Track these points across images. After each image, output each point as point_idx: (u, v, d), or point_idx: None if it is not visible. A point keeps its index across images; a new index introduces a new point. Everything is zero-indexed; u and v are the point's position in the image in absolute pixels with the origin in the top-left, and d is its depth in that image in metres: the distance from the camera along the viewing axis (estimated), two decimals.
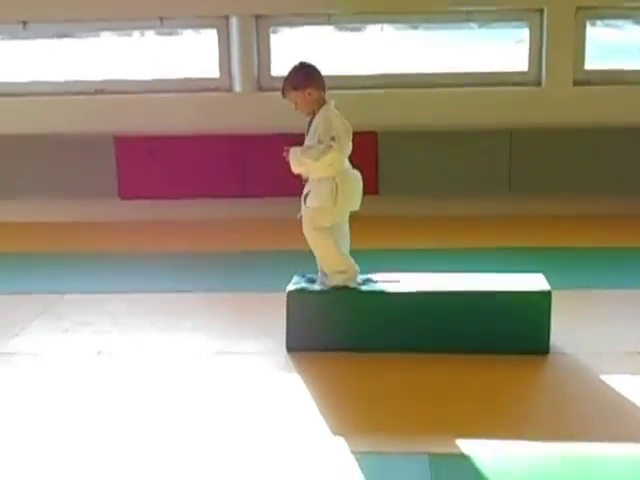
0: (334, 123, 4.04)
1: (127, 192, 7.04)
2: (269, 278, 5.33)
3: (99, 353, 4.31)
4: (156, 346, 4.40)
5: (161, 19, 7.08)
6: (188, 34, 7.63)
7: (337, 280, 4.22)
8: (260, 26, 7.06)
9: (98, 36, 7.62)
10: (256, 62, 7.08)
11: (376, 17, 7.26)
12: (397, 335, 4.13)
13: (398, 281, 4.29)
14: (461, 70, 7.17)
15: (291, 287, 4.25)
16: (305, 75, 4.11)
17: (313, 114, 4.14)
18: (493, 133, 6.88)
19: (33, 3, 7.02)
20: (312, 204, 4.14)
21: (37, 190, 7.10)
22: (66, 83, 7.26)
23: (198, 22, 7.23)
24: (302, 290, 4.21)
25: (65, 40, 7.56)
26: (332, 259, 4.21)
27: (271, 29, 7.15)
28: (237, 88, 7.11)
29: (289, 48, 7.33)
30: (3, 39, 7.48)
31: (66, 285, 5.42)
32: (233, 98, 7.10)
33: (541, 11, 6.86)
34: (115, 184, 7.02)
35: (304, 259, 4.91)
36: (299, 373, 4.00)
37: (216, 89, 7.17)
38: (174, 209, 7.06)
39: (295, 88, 4.09)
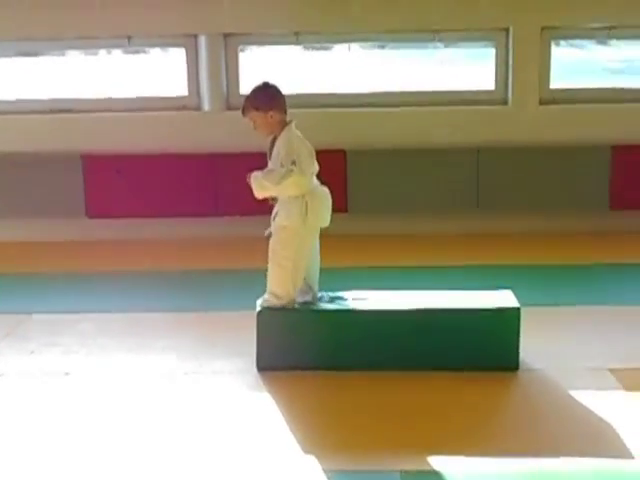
0: (295, 146, 4.04)
1: (95, 211, 6.99)
2: (239, 297, 5.29)
3: (67, 374, 4.26)
4: (125, 366, 4.36)
5: (129, 37, 7.07)
6: (156, 52, 7.64)
7: (270, 302, 4.21)
8: (229, 45, 7.08)
9: (65, 54, 7.59)
10: (225, 81, 7.09)
11: (343, 37, 7.30)
12: (366, 353, 4.13)
13: (367, 299, 4.30)
14: (429, 89, 7.24)
15: (260, 307, 4.24)
16: (269, 96, 4.10)
17: (274, 136, 4.14)
18: (460, 151, 6.94)
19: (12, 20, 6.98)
20: (282, 222, 4.14)
21: (3, 209, 7.02)
22: (33, 101, 7.21)
23: (166, 41, 7.23)
24: (272, 309, 4.20)
25: (32, 58, 7.51)
26: (278, 280, 4.18)
27: (239, 48, 7.17)
28: (206, 107, 7.10)
29: (258, 67, 7.36)
30: None
31: (34, 305, 5.37)
32: (202, 117, 7.09)
33: (507, 30, 6.95)
34: (82, 203, 6.96)
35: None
36: (269, 392, 3.99)
37: (184, 108, 7.16)
38: (142, 228, 7.01)
39: (257, 108, 4.07)
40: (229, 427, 3.67)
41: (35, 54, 7.52)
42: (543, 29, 6.89)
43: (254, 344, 4.25)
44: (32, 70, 7.55)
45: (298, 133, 4.13)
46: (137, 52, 7.55)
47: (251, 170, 4.25)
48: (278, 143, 4.09)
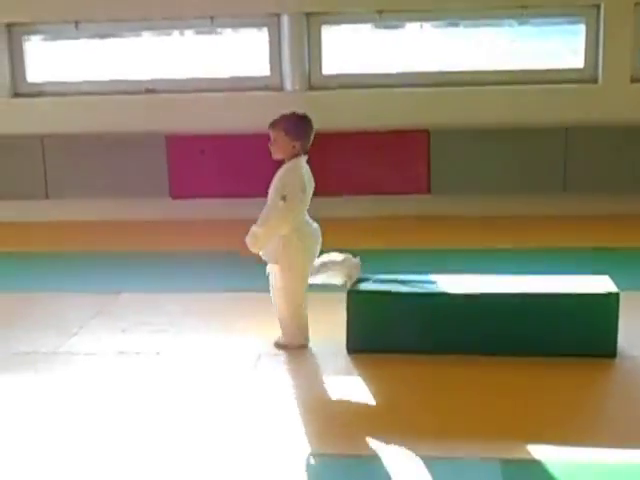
0: (291, 181, 4.11)
1: (178, 191, 7.04)
2: None
3: (158, 353, 4.29)
4: (214, 347, 4.37)
5: (212, 18, 7.08)
6: (230, 33, 7.61)
7: (288, 342, 4.27)
8: (311, 24, 7.02)
9: (150, 35, 7.63)
10: (307, 60, 7.04)
11: (428, 14, 7.17)
12: (461, 337, 4.06)
13: (459, 283, 4.23)
14: (515, 68, 7.08)
15: (351, 288, 4.20)
16: (303, 129, 4.16)
17: (283, 160, 4.21)
18: (547, 131, 6.77)
19: (84, 3, 7.05)
20: (277, 263, 4.19)
21: (90, 189, 7.13)
22: (118, 82, 7.29)
23: (249, 20, 7.21)
24: (363, 291, 4.16)
25: (118, 39, 7.58)
26: (290, 324, 4.26)
27: (322, 27, 7.11)
28: (288, 87, 7.07)
29: (339, 46, 7.30)
30: (56, 39, 7.52)
31: (121, 284, 5.43)
32: (284, 97, 7.06)
33: (598, 7, 6.73)
34: (167, 183, 7.02)
35: (361, 260, 4.84)
36: (360, 375, 3.95)
37: (266, 88, 7.15)
38: (225, 208, 7.04)
39: (287, 132, 4.13)
40: (321, 410, 3.64)
41: (120, 35, 7.57)
42: (636, 5, 6.66)
43: (343, 326, 4.21)
44: (117, 51, 7.60)
45: (305, 167, 4.20)
46: (217, 32, 7.53)
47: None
48: (278, 173, 4.19)
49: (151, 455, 3.28)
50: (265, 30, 7.13)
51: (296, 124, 4.17)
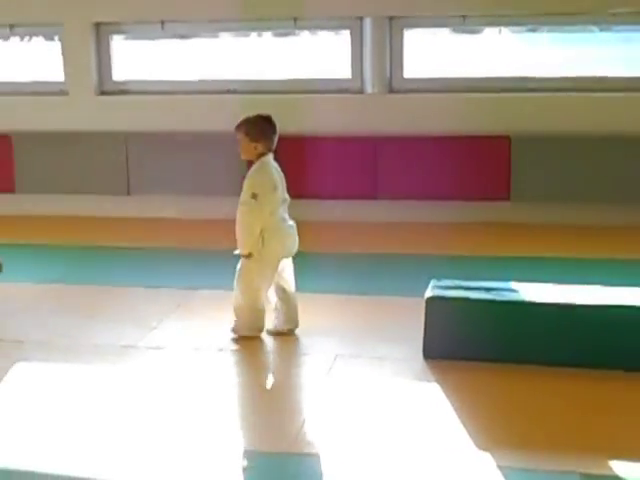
0: (259, 180, 4.29)
1: None
2: (402, 282, 5.29)
3: (236, 351, 4.33)
4: (291, 347, 4.38)
5: (295, 19, 7.12)
6: (308, 35, 7.65)
7: (239, 330, 4.42)
8: (393, 27, 7.00)
9: (229, 36, 7.72)
10: (388, 63, 7.03)
11: (512, 19, 7.08)
12: (542, 347, 3.99)
13: (538, 291, 4.16)
14: (598, 74, 6.94)
15: (430, 293, 4.17)
16: (262, 130, 4.33)
17: (251, 162, 4.38)
18: (632, 139, 6.61)
19: (170, 4, 7.17)
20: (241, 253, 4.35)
21: (170, 187, 7.24)
22: (200, 82, 7.39)
23: (332, 23, 7.24)
24: (442, 297, 4.13)
25: (200, 40, 7.69)
26: (244, 313, 4.40)
27: (404, 30, 7.08)
28: (368, 89, 7.07)
29: (421, 50, 7.27)
30: (141, 38, 7.67)
31: (199, 281, 5.50)
32: (364, 99, 7.07)
33: None
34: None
35: (436, 264, 4.83)
36: (437, 382, 3.91)
37: (347, 90, 7.15)
38: (302, 209, 7.04)
39: (247, 134, 4.34)
40: (396, 416, 3.61)
41: (202, 35, 7.68)
42: None
43: (420, 331, 4.18)
44: (200, 52, 7.72)
45: (273, 164, 4.37)
46: (293, 34, 7.56)
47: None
48: (248, 174, 4.36)
49: (225, 451, 3.31)
50: (347, 33, 7.14)
51: (256, 126, 4.34)
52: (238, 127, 4.40)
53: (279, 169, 4.44)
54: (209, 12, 7.14)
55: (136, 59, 7.77)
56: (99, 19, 7.35)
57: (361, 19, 7.00)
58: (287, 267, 4.53)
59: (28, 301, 5.13)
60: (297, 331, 4.56)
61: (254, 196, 4.26)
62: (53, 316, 4.86)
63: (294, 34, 7.54)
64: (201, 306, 5.05)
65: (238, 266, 4.42)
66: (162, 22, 7.30)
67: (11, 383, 4.00)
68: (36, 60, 7.93)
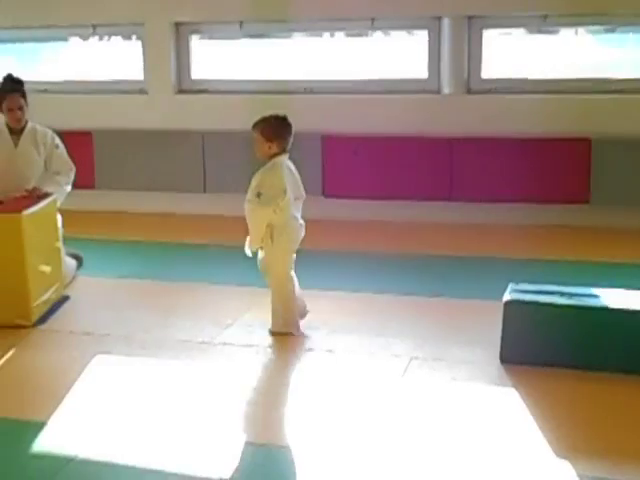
0: (269, 180, 4.34)
1: (331, 191, 7.12)
2: (478, 285, 5.23)
3: (310, 349, 4.34)
4: (365, 348, 4.37)
5: (372, 19, 7.11)
6: (382, 35, 7.62)
7: (276, 326, 4.51)
8: (472, 27, 6.93)
9: (308, 36, 7.74)
10: (466, 64, 6.96)
11: (593, 18, 6.93)
12: (624, 355, 3.89)
13: (619, 297, 4.07)
14: None
15: (509, 297, 4.11)
16: (276, 130, 4.38)
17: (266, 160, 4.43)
18: None
19: (249, 4, 7.23)
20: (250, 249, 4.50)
21: (245, 186, 7.28)
22: (277, 82, 7.43)
23: (410, 23, 7.20)
24: (521, 301, 4.06)
25: (278, 40, 7.74)
26: (279, 309, 4.52)
27: (482, 31, 7.00)
28: (445, 90, 7.02)
29: (499, 50, 7.18)
30: (222, 38, 7.74)
31: None
32: (441, 100, 7.02)
33: None
34: (320, 182, 7.11)
35: (514, 268, 4.75)
36: (514, 387, 3.85)
37: (424, 90, 7.11)
38: (376, 209, 7.06)
39: (262, 134, 4.38)
40: (473, 420, 3.57)
41: (280, 36, 7.73)
42: None
43: (497, 335, 4.13)
44: (277, 51, 7.76)
45: (287, 164, 4.44)
46: (370, 35, 7.55)
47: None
48: (258, 172, 4.40)
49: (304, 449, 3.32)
50: (423, 33, 7.09)
51: (271, 126, 4.39)
52: (254, 126, 4.45)
53: (293, 169, 4.51)
54: (287, 12, 7.18)
55: (213, 58, 7.85)
56: (179, 19, 7.46)
57: (439, 19, 6.95)
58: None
59: (108, 295, 5.24)
60: (373, 332, 4.55)
61: (259, 195, 4.35)
62: (132, 311, 4.95)
63: (366, 34, 7.53)
64: None
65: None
66: (240, 22, 7.37)
67: (93, 376, 4.08)
68: (116, 59, 8.08)
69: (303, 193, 4.62)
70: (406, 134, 6.95)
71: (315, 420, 3.57)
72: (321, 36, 7.68)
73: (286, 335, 4.52)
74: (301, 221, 4.58)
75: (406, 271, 5.75)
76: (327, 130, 7.09)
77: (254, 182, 4.39)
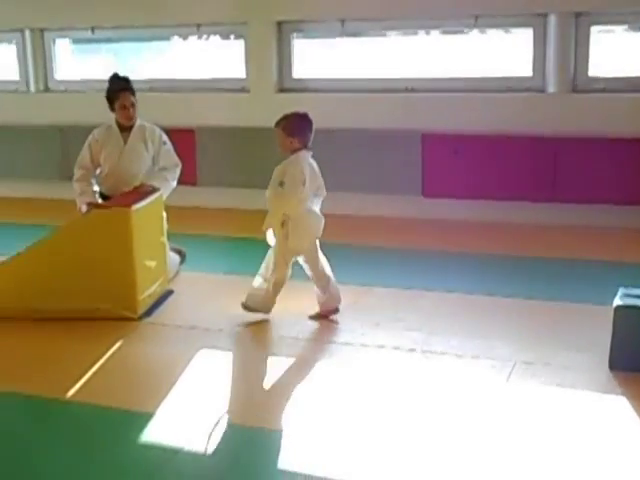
0: (290, 171, 4.52)
1: (431, 190, 7.06)
2: (587, 289, 5.11)
3: (411, 350, 4.31)
4: (467, 351, 4.31)
5: (476, 17, 7.01)
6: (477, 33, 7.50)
7: (251, 302, 4.70)
8: (580, 24, 6.76)
9: (412, 34, 7.69)
10: (573, 62, 6.79)
11: None
12: None
13: None
14: None
15: (619, 302, 3.99)
16: (298, 126, 4.58)
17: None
18: None
19: (350, 3, 7.23)
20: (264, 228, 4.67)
21: (345, 184, 7.30)
22: (378, 81, 7.41)
23: (514, 20, 7.08)
24: (632, 306, 3.94)
25: (380, 38, 7.72)
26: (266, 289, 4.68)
27: (590, 28, 6.82)
28: (550, 89, 6.86)
29: (606, 48, 6.98)
30: (321, 37, 7.77)
31: (374, 278, 5.52)
32: (546, 99, 6.87)
33: None
34: (419, 182, 7.06)
35: (624, 272, 4.60)
36: (623, 394, 3.74)
37: (528, 89, 6.97)
38: (478, 209, 6.97)
39: (284, 130, 4.57)
40: (578, 430, 3.46)
41: (377, 34, 7.70)
42: None
43: (607, 340, 4.01)
44: (378, 50, 7.74)
45: (309, 160, 4.59)
46: (465, 32, 7.44)
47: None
48: (279, 166, 4.58)
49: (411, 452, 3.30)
50: (526, 31, 6.96)
51: (292, 122, 4.58)
52: (277, 124, 4.62)
53: (314, 165, 4.66)
54: (388, 10, 7.16)
55: (314, 57, 7.88)
56: (282, 18, 7.52)
57: (545, 16, 6.80)
58: (319, 251, 4.77)
59: (211, 290, 5.32)
60: (475, 334, 4.49)
61: (281, 184, 4.53)
62: (234, 306, 5.00)
63: (462, 32, 7.42)
64: (376, 304, 5.06)
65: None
66: (342, 21, 7.38)
67: (197, 369, 4.16)
68: (218, 58, 8.21)
69: (324, 191, 4.76)
70: (508, 133, 6.83)
71: (415, 426, 3.54)
72: (416, 34, 7.62)
73: (379, 333, 4.51)
74: (319, 213, 4.73)
75: (508, 272, 5.66)
76: (427, 129, 7.03)
77: (276, 173, 4.58)
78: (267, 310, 4.75)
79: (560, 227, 6.64)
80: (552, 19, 6.76)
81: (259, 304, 4.72)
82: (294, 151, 4.58)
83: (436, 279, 5.54)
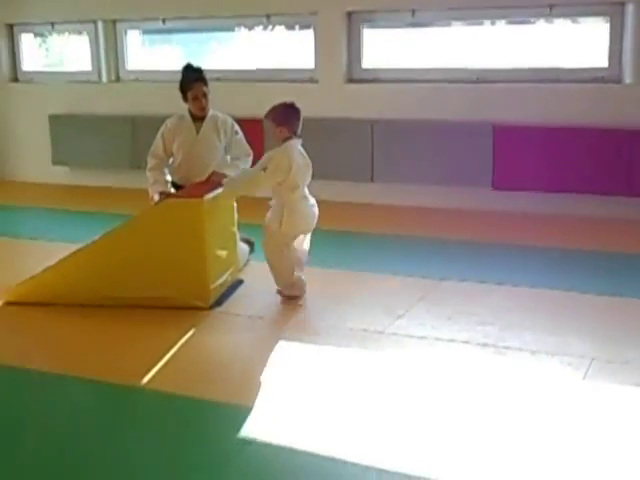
0: (276, 158, 4.72)
1: (501, 182, 6.95)
2: None
3: (484, 345, 4.25)
4: (542, 346, 4.22)
5: (551, 6, 6.87)
6: (543, 23, 7.34)
7: (289, 291, 4.94)
8: None
9: (478, 24, 7.56)
10: None
11: None
12: None
13: None
14: None
15: None
16: (285, 115, 4.79)
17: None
18: None
19: None
20: (268, 223, 4.88)
21: (414, 175, 7.26)
22: (448, 71, 7.33)
23: (590, 9, 6.92)
24: None
25: (448, 28, 7.61)
26: (283, 273, 4.93)
27: None
28: (627, 80, 6.69)
29: None
30: (396, 27, 7.69)
31: (444, 271, 5.46)
32: (622, 90, 6.70)
33: None
34: (490, 174, 6.96)
35: None
36: None
37: (603, 80, 6.81)
38: (550, 202, 6.85)
39: (272, 120, 4.80)
40: None
41: (443, 24, 7.59)
42: None
43: None
44: (448, 40, 7.64)
45: (298, 148, 4.80)
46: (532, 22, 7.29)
47: None
48: (270, 151, 4.79)
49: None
50: (606, 20, 6.80)
51: (280, 112, 4.78)
52: (266, 116, 4.84)
53: (304, 154, 4.85)
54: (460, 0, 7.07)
55: (382, 47, 7.82)
56: (351, 8, 7.48)
57: (622, 5, 6.63)
58: (306, 240, 5.01)
59: None
60: (550, 330, 4.41)
61: (264, 169, 4.75)
62: (306, 297, 5.01)
63: (529, 22, 7.27)
64: (447, 297, 5.00)
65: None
66: (413, 10, 7.31)
67: (269, 360, 4.16)
68: (285, 48, 8.20)
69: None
70: (582, 125, 6.70)
71: (490, 424, 3.48)
72: (482, 24, 7.49)
73: (450, 327, 4.46)
74: (312, 200, 4.93)
75: (583, 268, 5.54)
76: (498, 120, 6.92)
77: (264, 158, 4.77)
78: (301, 292, 4.99)
79: (636, 221, 6.48)
80: (630, 8, 6.59)
81: (290, 290, 4.98)
82: (285, 139, 4.77)
83: (507, 272, 5.45)
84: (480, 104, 7.02)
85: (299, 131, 4.83)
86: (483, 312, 4.70)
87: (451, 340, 4.31)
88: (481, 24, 7.49)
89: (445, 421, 3.46)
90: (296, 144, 4.81)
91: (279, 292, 5.01)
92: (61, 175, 8.93)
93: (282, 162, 4.73)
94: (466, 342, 4.28)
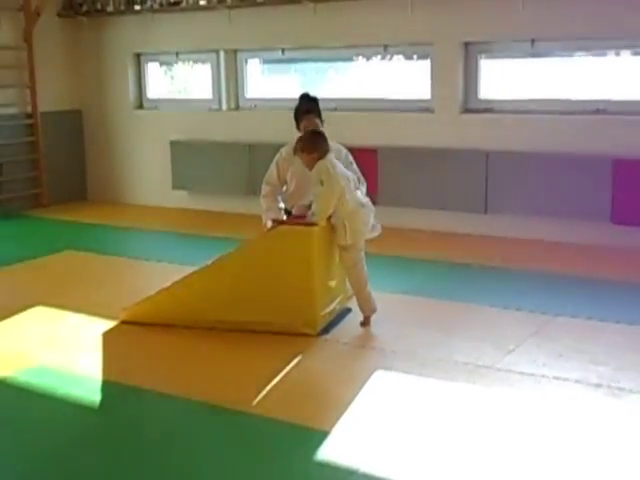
0: (322, 169, 4.93)
1: (621, 217, 6.73)
2: None
3: (598, 385, 4.11)
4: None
5: None
6: None
7: (368, 310, 5.10)
8: None
9: (601, 55, 7.37)
10: None
11: None
12: None
13: None
14: None
15: None
16: (313, 143, 5.02)
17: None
18: None
19: (544, 21, 7.04)
20: (338, 243, 5.02)
21: (529, 207, 7.12)
22: (566, 102, 7.18)
23: None
24: None
25: (570, 59, 7.46)
26: (362, 292, 5.08)
27: None
28: None
29: None
30: (515, 57, 7.60)
31: (559, 307, 5.33)
32: None
33: None
34: (609, 208, 6.75)
35: None
36: None
37: None
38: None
39: (302, 151, 5.05)
40: None
41: (552, 55, 7.44)
42: None
43: None
44: (566, 71, 7.48)
45: (334, 162, 5.01)
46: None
47: None
48: (313, 172, 5.00)
49: None
50: None
51: (308, 143, 5.04)
52: (295, 149, 5.15)
53: (340, 165, 5.07)
54: (582, 30, 6.91)
55: (499, 77, 7.73)
56: (469, 39, 7.44)
57: None
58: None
59: (389, 310, 5.26)
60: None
61: (321, 182, 4.91)
62: (414, 327, 4.99)
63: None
64: (559, 333, 4.88)
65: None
66: (532, 40, 7.21)
67: (374, 389, 4.15)
68: (401, 78, 8.22)
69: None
70: None
71: (604, 473, 3.36)
72: (605, 55, 7.29)
73: (562, 365, 4.32)
74: (365, 199, 5.14)
75: None
76: (619, 154, 6.72)
77: (314, 177, 4.97)
78: (373, 309, 5.11)
79: None
80: None
81: (366, 310, 5.09)
82: (318, 159, 5.01)
83: (623, 310, 5.26)
84: (599, 136, 6.83)
85: (329, 150, 5.06)
86: (597, 350, 4.56)
87: (562, 379, 4.19)
88: (604, 55, 7.30)
89: (554, 469, 3.36)
90: (330, 156, 5.04)
91: (363, 324, 5.08)
92: (180, 199, 9.20)
93: (329, 168, 4.94)
94: (578, 381, 4.15)
